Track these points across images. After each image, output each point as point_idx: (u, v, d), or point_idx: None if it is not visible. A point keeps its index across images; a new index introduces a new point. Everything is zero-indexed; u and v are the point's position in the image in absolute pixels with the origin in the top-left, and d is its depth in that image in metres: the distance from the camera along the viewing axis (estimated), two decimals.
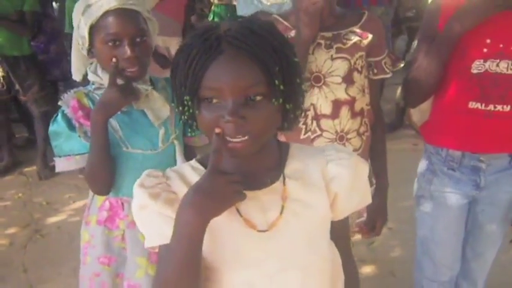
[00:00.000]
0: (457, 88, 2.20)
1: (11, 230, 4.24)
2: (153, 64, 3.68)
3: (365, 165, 1.40)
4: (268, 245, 1.25)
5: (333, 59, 2.08)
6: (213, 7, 5.97)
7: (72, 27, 4.80)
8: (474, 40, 2.11)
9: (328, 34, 2.08)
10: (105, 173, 1.95)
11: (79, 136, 1.95)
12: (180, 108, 1.21)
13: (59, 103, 1.98)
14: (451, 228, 2.41)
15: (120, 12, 1.86)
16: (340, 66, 2.09)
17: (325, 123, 2.13)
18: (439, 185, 2.36)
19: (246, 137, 1.15)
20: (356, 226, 2.36)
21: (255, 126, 1.15)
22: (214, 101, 1.15)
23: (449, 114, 2.26)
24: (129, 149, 1.98)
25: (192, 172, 1.30)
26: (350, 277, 1.47)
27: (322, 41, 2.08)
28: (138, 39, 1.89)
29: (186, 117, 1.22)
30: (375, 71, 2.21)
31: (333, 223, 1.36)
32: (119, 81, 1.86)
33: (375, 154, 2.30)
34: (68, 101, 1.96)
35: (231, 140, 1.15)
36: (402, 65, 2.35)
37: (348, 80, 2.11)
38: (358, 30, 2.11)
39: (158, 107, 2.00)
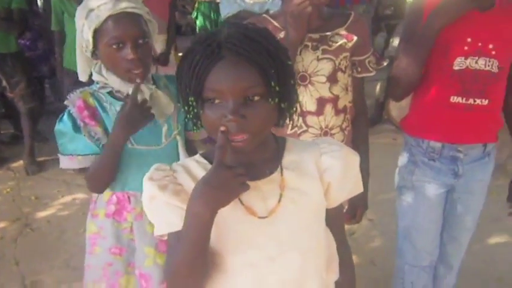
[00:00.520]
0: (439, 84, 2.32)
1: (1, 224, 4.27)
2: None
3: (355, 156, 1.52)
4: (268, 230, 1.36)
5: (318, 59, 2.18)
6: (196, 5, 6.02)
7: (58, 25, 4.89)
8: (456, 39, 2.23)
9: (315, 36, 2.18)
10: (110, 177, 2.04)
11: (84, 135, 1.99)
12: (186, 108, 1.31)
13: (65, 103, 2.02)
14: (431, 216, 2.54)
15: (122, 16, 1.91)
16: (325, 67, 2.19)
17: (311, 119, 2.23)
18: (420, 175, 2.47)
19: (247, 136, 1.26)
20: None
21: (254, 124, 1.26)
22: (217, 101, 1.26)
23: (431, 108, 2.37)
24: (134, 145, 2.03)
25: (196, 166, 1.41)
26: (345, 261, 1.57)
27: (309, 43, 2.17)
28: (140, 41, 1.94)
29: (191, 116, 1.32)
30: (359, 69, 2.31)
31: (327, 210, 1.47)
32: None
33: (357, 147, 2.35)
34: (74, 101, 2.01)
35: (233, 138, 1.26)
36: (386, 63, 2.46)
37: (332, 79, 2.21)
38: (344, 33, 2.20)
39: (163, 104, 2.05)
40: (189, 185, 1.33)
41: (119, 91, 2.03)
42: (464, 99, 2.28)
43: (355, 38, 2.22)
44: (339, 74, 2.23)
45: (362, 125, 2.44)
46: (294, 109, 1.38)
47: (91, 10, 1.92)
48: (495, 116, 2.39)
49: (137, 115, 1.91)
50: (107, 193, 2.13)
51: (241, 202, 1.35)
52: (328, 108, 2.24)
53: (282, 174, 1.40)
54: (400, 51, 2.41)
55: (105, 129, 2.02)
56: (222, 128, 1.24)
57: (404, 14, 7.06)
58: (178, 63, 1.36)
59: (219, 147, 1.24)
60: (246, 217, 1.36)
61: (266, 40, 1.29)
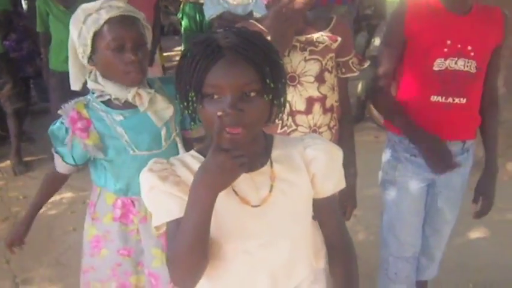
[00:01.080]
0: (420, 84, 2.42)
1: None
2: None
3: (338, 150, 1.63)
4: (261, 218, 1.48)
5: (306, 60, 2.27)
6: (181, 6, 6.08)
7: (43, 27, 4.92)
8: (436, 41, 2.33)
9: (302, 38, 2.26)
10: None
11: (65, 144, 2.04)
12: (185, 103, 1.40)
13: (59, 112, 2.03)
14: (414, 209, 2.64)
15: (123, 19, 1.95)
16: (313, 67, 2.28)
17: (300, 118, 2.31)
18: (403, 171, 2.57)
19: (243, 128, 1.35)
20: None
21: (250, 117, 1.36)
22: (216, 96, 1.35)
23: (413, 107, 2.46)
24: (135, 151, 2.06)
25: (192, 159, 1.51)
26: (342, 251, 1.66)
27: (297, 44, 2.25)
28: (139, 45, 1.97)
29: (189, 111, 1.41)
30: (343, 70, 2.40)
31: (317, 200, 1.58)
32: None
33: (344, 144, 2.41)
34: (67, 111, 2.02)
35: (231, 131, 1.34)
36: (367, 64, 2.56)
37: (320, 79, 2.30)
38: (328, 34, 2.30)
39: (162, 108, 2.08)
40: (187, 177, 1.44)
41: (116, 98, 2.04)
42: (443, 98, 2.38)
43: (339, 39, 2.31)
44: (326, 74, 2.32)
45: (348, 124, 2.52)
46: (284, 107, 1.48)
47: (89, 14, 1.94)
48: (473, 114, 2.50)
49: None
50: (111, 197, 2.18)
51: (235, 193, 1.46)
52: (317, 107, 2.32)
53: (271, 167, 1.51)
54: (382, 58, 2.52)
55: (102, 140, 2.04)
56: (219, 113, 1.32)
57: (384, 13, 7.20)
58: (177, 62, 1.46)
59: (216, 132, 1.31)
60: (241, 206, 1.46)
61: (261, 41, 1.40)
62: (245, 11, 5.06)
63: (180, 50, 8.28)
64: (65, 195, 4.60)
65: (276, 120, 1.53)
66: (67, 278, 3.50)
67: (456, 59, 2.35)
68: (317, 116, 2.33)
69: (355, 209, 2.65)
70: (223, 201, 1.42)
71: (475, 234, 4.00)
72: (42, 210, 4.34)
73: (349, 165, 2.48)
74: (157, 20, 5.75)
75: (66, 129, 2.03)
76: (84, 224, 2.27)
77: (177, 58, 8.79)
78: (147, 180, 1.47)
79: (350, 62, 2.40)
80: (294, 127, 2.33)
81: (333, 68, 2.36)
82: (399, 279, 2.75)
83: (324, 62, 2.30)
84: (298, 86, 2.29)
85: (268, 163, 1.51)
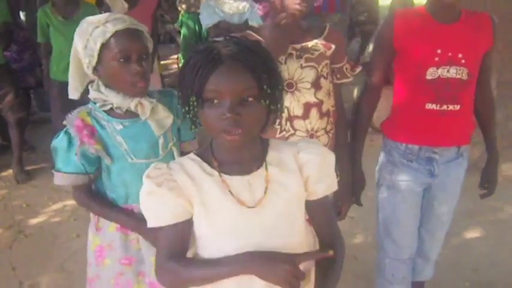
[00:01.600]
0: (415, 92, 2.49)
1: None
2: None
3: (331, 154, 1.71)
4: (256, 218, 1.55)
5: (302, 67, 2.35)
6: (180, 16, 6.18)
7: (44, 37, 5.00)
8: (427, 51, 2.39)
9: (298, 46, 2.35)
10: None
11: (75, 154, 2.06)
12: (186, 108, 1.50)
13: (64, 122, 2.09)
14: (410, 212, 2.69)
15: (130, 32, 2.02)
16: (309, 74, 2.36)
17: (298, 123, 2.39)
18: (399, 175, 2.63)
19: (240, 131, 1.44)
20: None
21: (247, 121, 1.45)
22: (215, 101, 1.45)
23: (408, 115, 2.54)
24: (134, 160, 2.11)
25: (191, 163, 1.60)
26: (337, 247, 1.68)
27: (294, 52, 2.34)
28: (144, 56, 2.04)
29: (191, 115, 1.51)
30: (338, 76, 2.49)
31: (310, 202, 1.66)
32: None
33: (339, 148, 2.54)
34: (72, 121, 2.07)
35: (230, 133, 1.45)
36: (359, 69, 2.64)
37: (316, 85, 2.38)
38: (322, 42, 2.39)
39: (162, 117, 2.14)
40: (184, 182, 1.54)
41: (118, 107, 2.09)
42: (438, 105, 2.44)
43: (333, 46, 2.40)
44: (322, 80, 2.40)
45: (343, 127, 2.60)
46: (280, 112, 1.57)
47: (96, 27, 2.00)
48: (467, 120, 2.56)
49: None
50: None
51: (231, 194, 1.54)
52: (314, 112, 2.39)
53: (266, 170, 1.59)
54: (374, 64, 2.60)
55: (105, 148, 2.09)
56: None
57: (377, 19, 7.30)
58: (179, 69, 1.56)
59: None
60: (237, 207, 1.54)
61: (259, 50, 1.50)
62: (241, 20, 5.16)
63: (177, 58, 8.35)
64: (67, 202, 4.63)
65: (275, 125, 1.63)
66: (72, 283, 3.56)
67: (448, 67, 2.40)
68: (314, 120, 2.41)
69: (354, 211, 2.71)
70: (220, 200, 1.53)
71: (471, 234, 4.06)
72: (46, 218, 4.53)
73: (345, 167, 2.56)
74: (155, 29, 5.87)
75: (70, 140, 2.08)
76: (89, 234, 2.32)
77: (174, 66, 8.93)
78: (144, 186, 1.57)
79: (344, 68, 2.49)
80: (292, 131, 2.40)
81: (328, 74, 2.44)
82: (396, 281, 2.81)
83: (319, 69, 2.38)
84: (295, 92, 2.37)
85: (264, 166, 1.59)
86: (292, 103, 2.37)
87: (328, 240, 1.71)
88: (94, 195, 2.22)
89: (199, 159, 1.60)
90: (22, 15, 6.88)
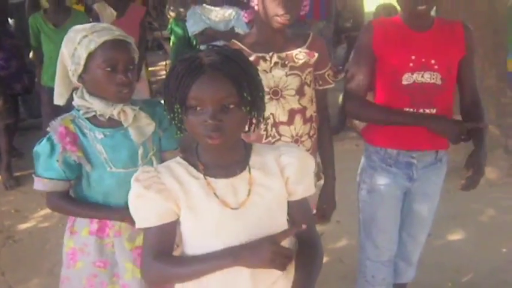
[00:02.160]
0: (391, 98, 2.56)
1: None
2: None
3: (310, 159, 1.80)
4: (240, 219, 1.63)
5: (287, 75, 2.42)
6: (169, 24, 6.25)
7: (36, 42, 5.07)
8: (402, 57, 2.49)
9: (283, 54, 2.42)
10: None
11: (57, 161, 2.09)
12: (171, 115, 1.57)
13: (47, 129, 2.13)
14: (390, 216, 2.76)
15: (118, 42, 2.07)
16: (294, 82, 2.43)
17: (283, 129, 2.46)
18: (379, 179, 2.69)
19: (222, 136, 1.53)
20: None
21: (229, 127, 1.54)
22: (198, 108, 1.53)
23: None
24: (112, 169, 2.15)
25: (178, 166, 1.67)
26: (314, 245, 1.77)
27: (279, 61, 2.41)
28: (130, 67, 2.09)
29: (176, 121, 1.58)
30: (320, 82, 2.56)
31: (290, 202, 1.74)
32: None
33: (323, 151, 2.62)
34: (55, 128, 2.11)
35: (212, 138, 1.53)
36: (342, 76, 2.71)
37: (300, 92, 2.45)
38: (306, 50, 2.46)
39: (144, 125, 2.18)
40: (172, 184, 1.62)
41: (101, 115, 2.13)
42: (414, 110, 2.52)
43: (316, 54, 2.47)
44: (306, 88, 2.47)
45: (326, 131, 2.65)
46: (263, 117, 1.65)
47: (84, 36, 2.06)
48: None
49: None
50: None
51: (216, 196, 1.62)
52: (298, 118, 2.47)
53: (249, 173, 1.67)
54: (352, 67, 2.66)
55: (86, 155, 2.14)
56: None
57: (363, 26, 7.38)
58: (163, 77, 1.63)
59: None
60: (221, 208, 1.62)
61: (239, 59, 1.58)
62: (227, 27, 5.23)
63: (165, 65, 8.41)
64: None
65: (261, 131, 1.70)
66: None
67: (422, 72, 2.49)
68: (298, 126, 2.48)
69: (339, 214, 2.76)
70: (205, 203, 1.61)
71: (454, 236, 4.14)
72: (34, 223, 4.55)
73: (328, 169, 2.63)
74: (143, 37, 5.92)
75: (53, 146, 2.11)
76: (64, 237, 2.34)
77: (162, 73, 8.97)
78: (133, 188, 1.64)
79: (326, 74, 2.56)
80: (277, 137, 2.47)
81: (312, 82, 2.51)
82: (376, 282, 2.87)
83: (303, 77, 2.46)
84: (281, 99, 2.44)
85: (247, 169, 1.67)
86: (277, 110, 2.44)
87: (307, 240, 1.77)
88: (71, 198, 2.25)
89: (185, 162, 1.68)
90: (11, 22, 6.90)
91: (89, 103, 2.13)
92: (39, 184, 2.17)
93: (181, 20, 5.78)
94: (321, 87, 2.58)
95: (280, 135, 2.47)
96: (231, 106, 1.53)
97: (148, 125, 2.21)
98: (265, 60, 2.40)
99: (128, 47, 2.12)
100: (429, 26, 2.53)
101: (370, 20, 2.94)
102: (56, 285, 3.57)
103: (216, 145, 1.55)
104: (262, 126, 2.11)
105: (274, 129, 2.46)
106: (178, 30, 5.79)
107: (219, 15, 5.25)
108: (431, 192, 2.77)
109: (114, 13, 5.44)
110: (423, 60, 2.49)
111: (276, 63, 2.41)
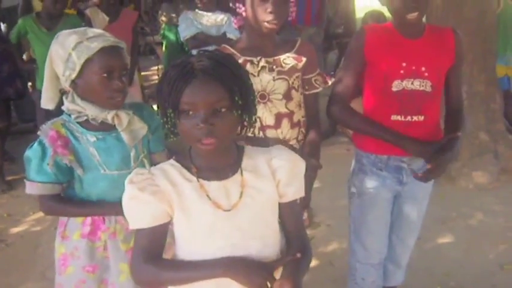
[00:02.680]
0: (381, 104, 2.59)
1: None
2: None
3: (301, 162, 1.82)
4: (232, 221, 1.67)
5: (274, 80, 2.45)
6: (162, 30, 6.29)
7: (17, 39, 5.12)
8: (393, 64, 2.51)
9: (270, 59, 2.46)
10: None
11: (47, 164, 2.10)
12: (164, 119, 1.60)
13: (38, 133, 2.15)
14: (379, 219, 2.78)
15: (113, 49, 2.10)
16: (281, 86, 2.47)
17: (270, 132, 2.49)
18: (369, 183, 2.71)
19: (214, 140, 1.56)
20: None
21: (221, 131, 1.57)
22: (190, 112, 1.56)
23: None
24: (106, 171, 2.18)
25: (172, 168, 1.70)
26: (303, 243, 1.80)
27: (266, 65, 2.44)
28: (124, 72, 2.13)
29: (169, 125, 1.61)
30: (307, 87, 2.59)
31: (281, 204, 1.77)
32: None
33: (307, 153, 2.57)
34: (46, 132, 2.13)
35: (204, 142, 1.56)
36: (332, 81, 2.73)
37: (287, 96, 2.49)
38: (294, 55, 2.50)
39: (137, 128, 2.22)
40: (166, 186, 1.65)
41: (94, 118, 2.15)
42: (402, 116, 2.55)
43: (303, 59, 2.51)
44: (293, 92, 2.51)
45: (313, 136, 2.64)
46: (254, 120, 1.68)
47: (79, 42, 2.07)
48: (431, 131, 2.63)
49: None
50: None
51: (209, 198, 1.65)
52: (285, 122, 2.50)
53: (242, 175, 1.70)
54: (342, 72, 2.69)
55: (78, 158, 2.15)
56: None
57: (354, 32, 7.40)
58: (155, 82, 1.67)
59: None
60: (214, 210, 1.65)
61: (230, 63, 1.61)
62: (218, 32, 5.27)
63: (157, 69, 8.42)
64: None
65: (249, 135, 1.74)
66: None
67: (412, 79, 2.52)
68: (285, 130, 2.52)
69: (330, 218, 2.77)
70: (198, 205, 1.64)
71: (443, 240, 4.16)
72: (27, 227, 4.56)
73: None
74: (135, 42, 5.96)
75: (44, 150, 2.13)
76: (55, 243, 2.35)
77: (154, 77, 8.98)
78: (127, 191, 1.66)
79: (313, 79, 2.59)
80: None
81: (299, 87, 2.55)
82: (366, 284, 2.89)
83: (290, 81, 2.49)
84: (268, 103, 2.48)
85: (239, 172, 1.71)
86: (264, 113, 2.47)
87: (297, 241, 1.80)
88: (65, 199, 2.26)
89: (179, 165, 1.71)
90: (3, 26, 6.91)
91: (81, 108, 2.15)
92: (31, 188, 2.18)
93: (173, 25, 5.81)
94: (307, 92, 2.61)
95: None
96: (223, 110, 1.57)
97: (142, 129, 2.25)
98: (252, 63, 2.43)
99: (121, 53, 2.15)
100: (420, 33, 2.56)
101: (362, 26, 2.96)
102: None
103: (208, 149, 1.58)
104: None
105: (261, 133, 2.50)
106: (171, 36, 5.83)
107: (211, 20, 5.30)
108: (421, 195, 2.80)
109: (107, 18, 5.47)
110: (414, 67, 2.51)
111: (263, 67, 2.45)
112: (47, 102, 2.28)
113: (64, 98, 2.20)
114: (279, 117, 2.50)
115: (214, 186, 1.67)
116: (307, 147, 2.59)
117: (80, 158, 2.16)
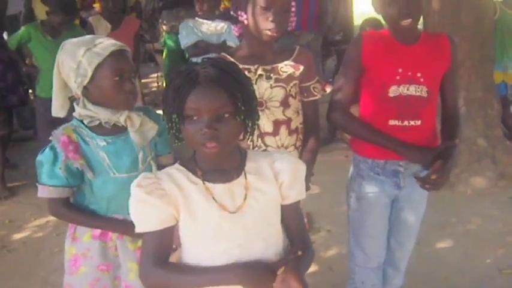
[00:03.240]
0: (378, 110, 2.62)
1: None
2: None
3: (302, 165, 1.88)
4: (237, 222, 1.71)
5: (272, 87, 2.50)
6: (162, 38, 6.33)
7: (17, 46, 5.19)
8: (390, 70, 2.55)
9: (268, 67, 2.50)
10: None
11: (59, 168, 2.16)
12: (169, 124, 1.65)
13: (50, 138, 2.19)
14: (378, 223, 2.80)
15: (122, 53, 2.16)
16: (278, 93, 2.51)
17: (268, 139, 2.54)
18: (367, 187, 2.74)
19: (218, 145, 1.60)
20: None
21: (224, 135, 1.62)
22: (195, 118, 1.61)
23: None
24: (116, 174, 2.22)
25: (177, 172, 1.75)
26: (305, 244, 1.85)
27: (264, 73, 2.49)
28: (133, 74, 2.20)
29: (174, 130, 1.66)
30: (305, 94, 2.62)
31: (284, 206, 1.82)
32: None
33: (305, 150, 2.65)
34: (58, 137, 2.18)
35: (208, 146, 1.61)
36: (330, 89, 2.77)
37: (285, 104, 2.53)
38: (292, 63, 2.54)
39: (148, 129, 2.27)
40: (172, 190, 1.69)
41: (107, 122, 2.19)
42: (400, 121, 2.58)
43: (301, 67, 2.55)
44: (290, 99, 2.55)
45: (310, 141, 2.68)
46: (255, 126, 1.73)
47: (88, 49, 2.12)
48: (429, 135, 2.66)
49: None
50: None
51: (214, 200, 1.69)
52: (283, 129, 2.55)
53: (245, 178, 1.75)
54: (340, 79, 2.70)
55: (88, 163, 2.20)
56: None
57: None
58: (159, 88, 1.72)
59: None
60: (219, 212, 1.70)
61: (233, 70, 1.67)
62: (219, 40, 5.31)
63: (157, 77, 8.45)
64: (50, 218, 4.60)
65: (248, 142, 1.78)
66: None
67: (408, 85, 2.55)
68: (284, 137, 2.56)
69: (330, 224, 2.79)
70: (204, 207, 1.68)
71: (442, 244, 4.19)
72: (29, 233, 4.60)
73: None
74: (138, 50, 6.00)
75: (56, 155, 2.18)
76: (65, 245, 2.40)
77: (154, 84, 9.00)
78: (135, 194, 1.71)
79: (311, 87, 2.63)
80: (263, 147, 2.55)
81: (297, 94, 2.59)
82: None
83: (288, 89, 2.54)
84: (265, 110, 2.52)
85: (243, 174, 1.76)
86: (262, 120, 2.50)
87: (299, 241, 1.85)
88: (74, 206, 2.32)
89: (184, 169, 1.75)
90: (5, 35, 6.94)
91: (93, 112, 2.19)
92: (43, 192, 2.22)
93: (174, 33, 5.85)
94: (306, 99, 2.64)
95: (266, 145, 2.56)
96: (226, 115, 1.62)
97: (152, 129, 2.30)
98: (249, 71, 2.47)
99: (128, 56, 2.22)
100: (416, 39, 2.59)
101: (359, 33, 2.99)
102: None
103: (212, 153, 1.63)
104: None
105: (260, 140, 2.55)
106: (171, 43, 5.87)
107: (211, 28, 5.33)
108: (418, 199, 2.82)
109: (109, 26, 5.53)
110: (409, 73, 2.55)
111: (260, 76, 2.49)
112: (57, 110, 2.32)
113: (75, 104, 2.24)
114: (277, 124, 2.55)
115: (219, 189, 1.71)
116: (306, 155, 2.63)
117: (90, 162, 2.21)
